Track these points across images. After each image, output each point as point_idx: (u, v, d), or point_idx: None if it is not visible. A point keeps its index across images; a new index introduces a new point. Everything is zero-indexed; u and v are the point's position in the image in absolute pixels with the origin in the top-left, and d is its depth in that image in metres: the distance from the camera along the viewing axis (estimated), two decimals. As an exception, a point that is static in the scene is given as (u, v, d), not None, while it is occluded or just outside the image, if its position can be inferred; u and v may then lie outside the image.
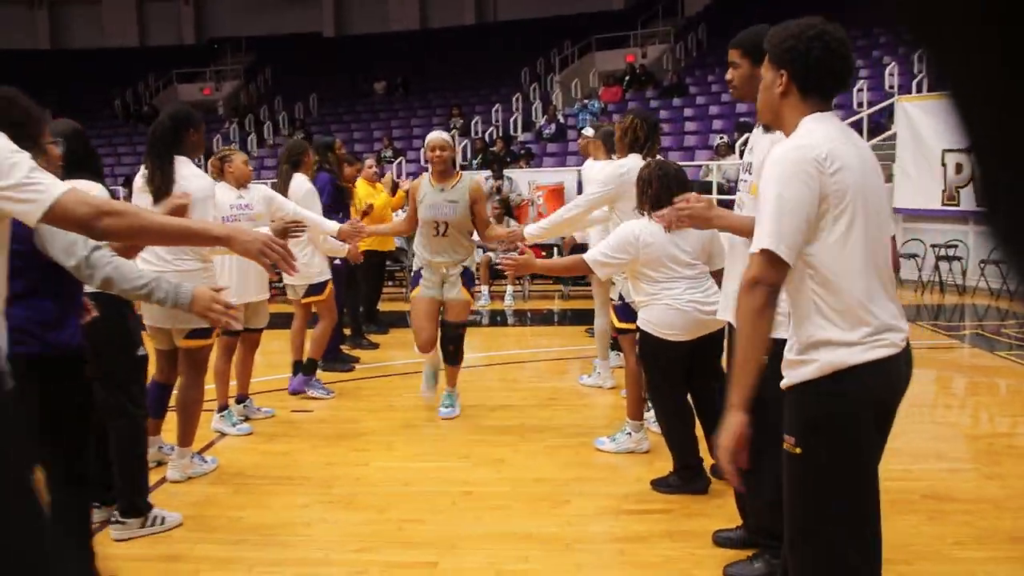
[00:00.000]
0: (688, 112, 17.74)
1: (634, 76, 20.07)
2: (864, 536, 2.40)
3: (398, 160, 17.58)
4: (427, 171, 5.71)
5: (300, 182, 6.26)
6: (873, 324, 2.26)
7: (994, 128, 0.45)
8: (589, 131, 7.86)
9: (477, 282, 11.71)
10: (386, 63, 23.73)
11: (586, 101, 18.56)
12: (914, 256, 11.62)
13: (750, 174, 3.24)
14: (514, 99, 20.30)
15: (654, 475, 4.47)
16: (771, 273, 2.24)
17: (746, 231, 2.89)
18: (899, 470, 4.57)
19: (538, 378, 7.47)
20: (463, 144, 18.01)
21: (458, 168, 6.85)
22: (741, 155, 3.79)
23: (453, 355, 5.73)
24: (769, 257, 2.22)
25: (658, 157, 4.92)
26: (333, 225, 5.80)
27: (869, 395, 2.29)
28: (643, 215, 4.32)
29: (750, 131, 11.46)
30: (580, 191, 12.25)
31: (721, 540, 3.68)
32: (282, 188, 6.19)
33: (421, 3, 27.01)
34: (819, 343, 2.27)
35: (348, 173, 7.92)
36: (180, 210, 3.88)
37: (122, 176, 19.60)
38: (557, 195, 13.50)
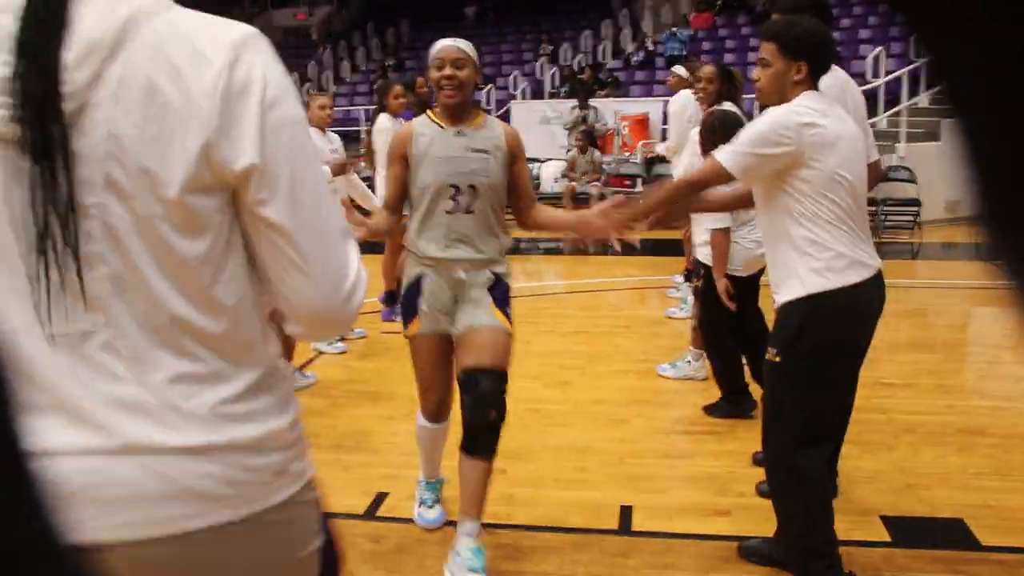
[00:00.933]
0: (780, 39, 17.47)
1: (725, 1, 19.77)
2: (819, 444, 2.85)
3: (488, 88, 17.86)
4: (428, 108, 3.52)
5: (380, 121, 6.80)
6: (851, 252, 2.77)
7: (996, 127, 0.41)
8: (680, 69, 8.03)
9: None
10: (477, -13, 23.82)
11: (675, 29, 18.42)
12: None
13: None
14: (603, 25, 20.26)
15: (706, 401, 4.88)
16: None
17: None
18: (942, 405, 4.89)
19: (615, 307, 7.88)
20: (552, 72, 18.17)
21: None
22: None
23: (485, 435, 3.16)
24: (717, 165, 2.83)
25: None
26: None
27: (847, 310, 2.78)
28: None
29: (839, 63, 11.53)
30: (665, 122, 12.43)
31: (759, 460, 4.09)
32: (370, 127, 6.86)
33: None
34: (800, 268, 2.79)
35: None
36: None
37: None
38: (642, 126, 13.68)
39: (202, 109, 1.09)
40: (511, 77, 18.35)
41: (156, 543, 1.14)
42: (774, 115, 2.77)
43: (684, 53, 17.35)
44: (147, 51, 1.09)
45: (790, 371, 2.79)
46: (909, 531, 3.47)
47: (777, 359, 2.81)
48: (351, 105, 18.97)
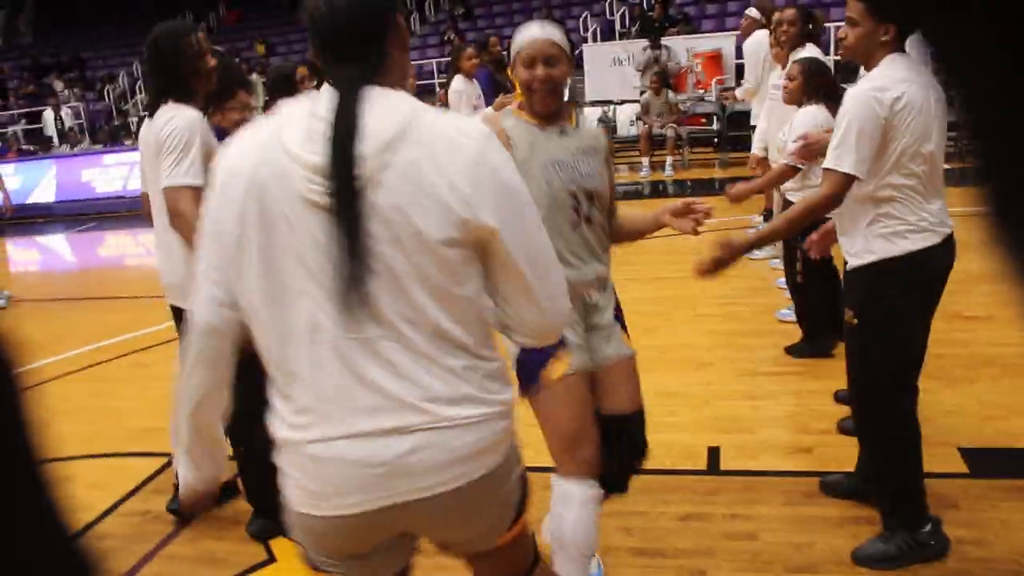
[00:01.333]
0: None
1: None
2: (906, 389, 3.01)
3: (557, 31, 17.81)
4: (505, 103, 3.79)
5: (455, 83, 7.07)
6: (927, 217, 2.84)
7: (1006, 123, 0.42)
8: (753, 11, 8.01)
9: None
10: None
11: (746, -43, 18.02)
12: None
13: None
14: (672, -44, 19.91)
15: (788, 342, 5.07)
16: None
17: None
18: (1017, 339, 4.98)
19: (696, 250, 8.02)
20: (621, 11, 18.04)
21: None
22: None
23: (629, 478, 2.93)
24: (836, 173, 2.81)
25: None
26: None
27: (921, 273, 2.87)
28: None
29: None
30: (738, 56, 12.29)
31: (840, 398, 4.29)
32: (445, 90, 7.18)
33: None
34: (879, 234, 2.87)
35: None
36: None
37: (298, 62, 20.69)
38: (715, 62, 13.57)
39: (457, 187, 1.55)
40: (581, 19, 18.28)
41: (444, 496, 1.62)
42: (864, 99, 2.76)
43: (756, -18, 17.01)
44: (417, 144, 1.55)
45: (866, 332, 2.92)
46: (986, 462, 3.64)
47: (854, 321, 2.95)
48: (423, 59, 19.15)
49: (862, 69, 3.09)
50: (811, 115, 4.46)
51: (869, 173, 2.81)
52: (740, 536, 3.28)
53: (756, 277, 6.63)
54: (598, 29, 17.60)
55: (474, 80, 7.31)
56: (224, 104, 3.75)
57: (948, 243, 2.89)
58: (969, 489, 3.44)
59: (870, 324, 2.92)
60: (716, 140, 12.95)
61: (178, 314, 3.41)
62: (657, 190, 11.19)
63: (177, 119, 3.19)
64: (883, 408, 2.99)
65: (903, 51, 2.85)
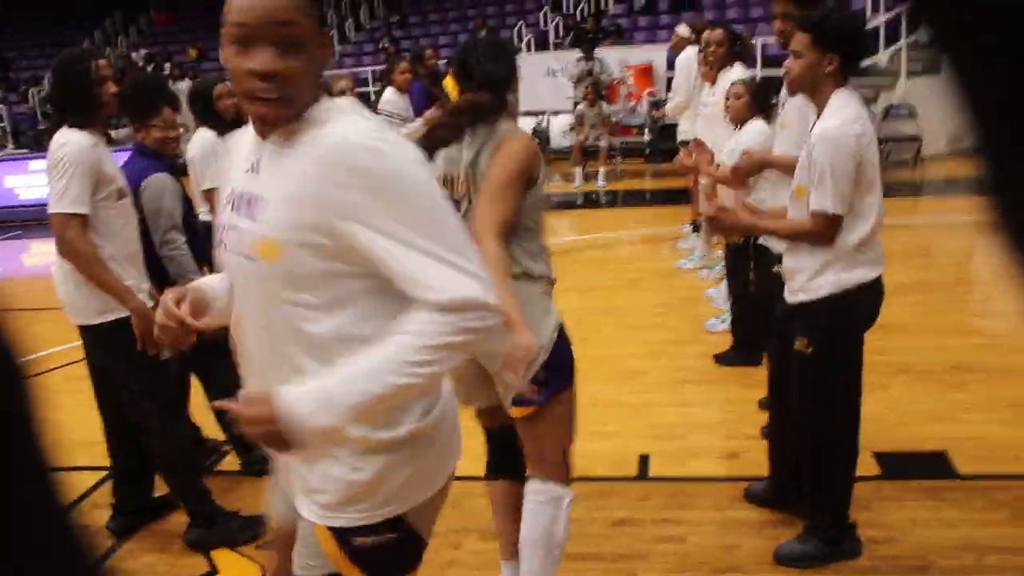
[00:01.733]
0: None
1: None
2: (855, 405, 3.22)
3: (492, 41, 17.98)
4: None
5: (386, 94, 7.18)
6: (876, 250, 3.03)
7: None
8: (683, 29, 8.24)
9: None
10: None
11: (676, -28, 18.42)
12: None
13: (782, 108, 3.90)
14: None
15: (717, 351, 5.28)
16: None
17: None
18: (934, 345, 5.27)
19: (626, 259, 8.25)
20: (555, 21, 18.28)
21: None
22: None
23: None
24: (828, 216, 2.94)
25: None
26: None
27: (869, 303, 3.07)
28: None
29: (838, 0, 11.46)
30: (670, 68, 12.56)
31: (765, 405, 4.49)
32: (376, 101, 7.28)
33: None
34: (834, 267, 3.01)
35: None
36: None
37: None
38: (646, 75, 13.86)
39: None
40: (515, 29, 18.47)
41: None
42: (837, 138, 2.89)
43: (686, -4, 17.42)
44: None
45: (822, 360, 3.08)
46: (898, 465, 3.88)
47: (808, 350, 3.09)
48: (359, 66, 19.14)
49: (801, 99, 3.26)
50: (759, 132, 4.63)
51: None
52: (670, 539, 3.45)
53: (686, 287, 6.85)
54: (532, 40, 17.81)
55: (406, 94, 7.41)
56: (147, 122, 3.80)
57: (881, 277, 3.09)
58: (881, 490, 3.67)
59: (826, 353, 3.08)
60: (647, 151, 13.24)
61: (86, 333, 3.48)
62: (590, 200, 11.41)
63: (68, 146, 3.29)
64: (834, 428, 3.18)
65: (846, 83, 3.00)
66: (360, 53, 20.60)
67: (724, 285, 6.15)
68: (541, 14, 19.15)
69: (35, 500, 0.57)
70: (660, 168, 12.44)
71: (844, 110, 2.95)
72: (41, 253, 12.11)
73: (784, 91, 3.79)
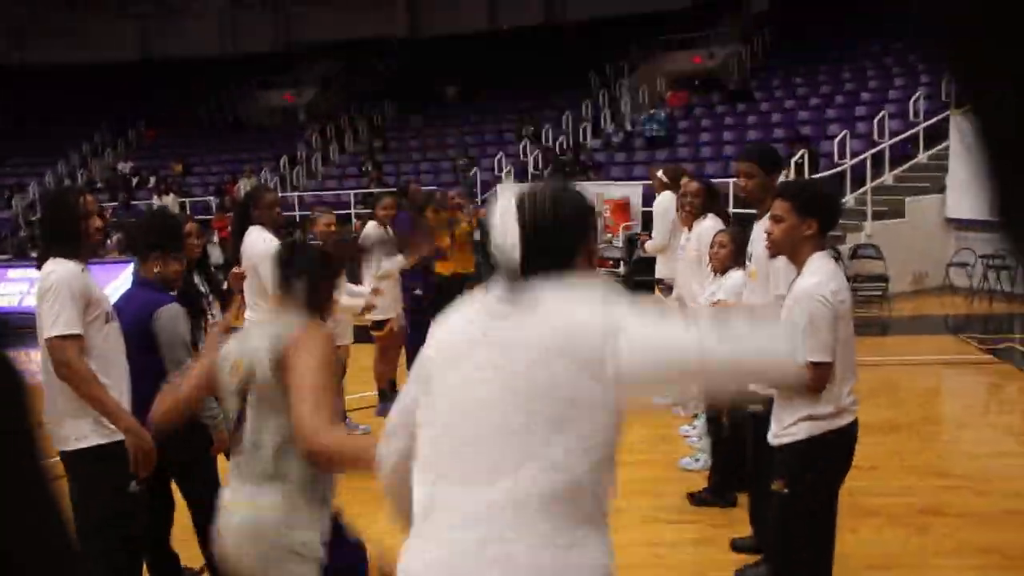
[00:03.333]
0: (751, 119, 18.29)
1: (700, 82, 20.67)
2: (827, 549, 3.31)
3: (473, 170, 18.51)
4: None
5: (367, 227, 7.39)
6: (846, 400, 3.18)
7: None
8: (663, 174, 8.50)
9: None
10: (457, 67, 24.60)
11: (652, 111, 19.21)
12: (965, 265, 12.12)
13: (749, 261, 4.08)
14: (584, 105, 21.04)
15: (690, 489, 5.32)
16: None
17: None
18: (903, 486, 5.35)
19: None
20: (535, 153, 18.87)
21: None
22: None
23: None
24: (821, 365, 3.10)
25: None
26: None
27: (842, 448, 3.20)
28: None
29: (806, 146, 12.09)
30: (646, 204, 12.92)
31: (737, 546, 4.54)
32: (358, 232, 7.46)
33: (490, 3, 27.61)
34: (810, 416, 3.16)
35: (430, 215, 8.88)
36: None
37: (212, 185, 20.82)
38: (623, 209, 14.30)
39: None
40: (496, 159, 19.04)
41: None
42: (814, 295, 3.10)
43: (663, 134, 18.11)
44: None
45: (798, 501, 3.19)
46: (869, 611, 3.90)
47: (785, 490, 3.21)
48: (340, 189, 19.55)
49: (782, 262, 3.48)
50: (740, 282, 4.79)
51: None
52: None
53: (659, 424, 6.92)
54: (512, 170, 18.35)
55: (386, 227, 7.57)
56: (169, 256, 3.91)
57: (855, 422, 3.25)
58: (853, 639, 3.68)
59: (801, 494, 3.19)
60: (623, 284, 13.51)
61: (65, 459, 3.49)
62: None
63: (55, 273, 3.41)
64: (805, 565, 3.26)
65: (823, 247, 3.26)
66: (343, 176, 21.07)
67: (698, 423, 6.24)
68: (521, 146, 19.78)
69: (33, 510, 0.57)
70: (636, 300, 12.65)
71: (820, 271, 3.18)
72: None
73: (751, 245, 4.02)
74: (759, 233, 4.06)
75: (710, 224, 5.59)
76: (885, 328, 10.86)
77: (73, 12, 27.64)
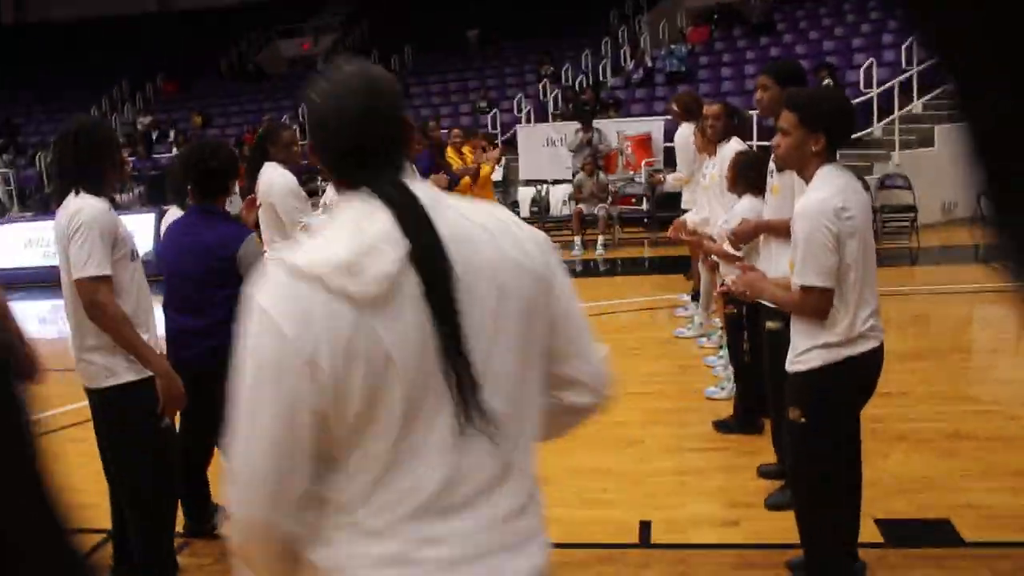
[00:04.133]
0: (774, 51, 17.87)
1: (721, 15, 20.22)
2: (851, 474, 3.24)
3: (492, 112, 18.31)
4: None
5: None
6: (864, 325, 3.04)
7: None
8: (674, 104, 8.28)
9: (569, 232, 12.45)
10: (478, 10, 24.28)
11: (672, 46, 18.84)
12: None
13: (771, 177, 3.98)
14: (603, 43, 20.70)
15: (715, 418, 5.29)
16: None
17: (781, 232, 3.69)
18: (933, 412, 5.28)
19: (626, 328, 8.28)
20: (554, 93, 18.62)
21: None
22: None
23: None
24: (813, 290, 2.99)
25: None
26: None
27: (860, 376, 3.10)
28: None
29: (830, 73, 11.73)
30: (667, 139, 12.76)
31: (763, 472, 4.50)
32: None
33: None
34: (823, 343, 3.04)
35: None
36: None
37: (232, 136, 20.75)
38: (644, 144, 14.09)
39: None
40: (516, 100, 18.80)
41: None
42: (815, 213, 2.94)
43: (683, 69, 17.78)
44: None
45: (814, 430, 3.10)
46: (900, 532, 3.86)
47: (802, 420, 3.12)
48: (360, 135, 19.42)
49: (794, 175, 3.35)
50: (750, 208, 4.70)
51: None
52: (671, 608, 3.42)
53: (684, 356, 6.88)
54: (531, 111, 18.13)
55: (413, 167, 7.52)
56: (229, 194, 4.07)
57: (881, 348, 3.12)
58: (885, 558, 3.65)
59: (818, 423, 3.10)
60: (646, 220, 13.38)
61: (94, 396, 3.50)
62: (589, 268, 11.49)
63: (83, 211, 3.32)
64: (826, 498, 3.19)
65: (833, 160, 3.07)
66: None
67: (723, 353, 6.19)
68: (540, 86, 19.52)
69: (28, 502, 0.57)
70: (659, 236, 12.54)
71: (827, 186, 3.00)
72: (43, 315, 12.14)
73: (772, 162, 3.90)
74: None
75: (734, 146, 5.46)
76: (914, 259, 10.68)
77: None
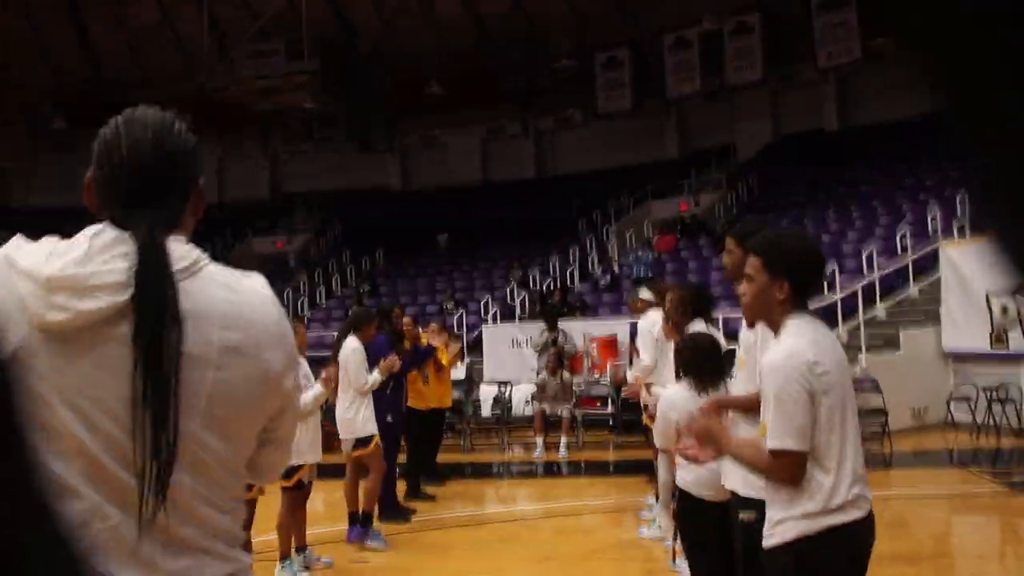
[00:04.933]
0: (739, 259, 18.23)
1: (685, 225, 20.76)
2: None
3: (459, 312, 18.28)
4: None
5: (350, 342, 6.92)
6: (846, 492, 2.64)
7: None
8: (645, 292, 8.23)
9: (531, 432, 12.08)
10: (449, 216, 24.85)
11: (639, 253, 19.18)
12: (967, 399, 11.66)
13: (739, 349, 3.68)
14: (571, 250, 21.06)
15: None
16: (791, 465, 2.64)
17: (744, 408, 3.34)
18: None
19: (589, 530, 7.73)
20: (522, 296, 18.69)
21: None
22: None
23: None
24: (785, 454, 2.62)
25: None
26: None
27: (846, 551, 2.67)
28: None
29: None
30: (633, 341, 12.66)
31: None
32: (337, 344, 6.94)
33: (483, 158, 28.31)
34: (798, 511, 2.63)
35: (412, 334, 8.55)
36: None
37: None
38: (610, 346, 13.94)
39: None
40: (483, 302, 18.84)
41: None
42: (782, 366, 2.65)
43: (650, 274, 17.98)
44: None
45: None
46: None
47: None
48: (324, 330, 19.24)
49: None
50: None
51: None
52: None
53: (651, 559, 6.34)
54: (498, 312, 18.11)
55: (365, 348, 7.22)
56: None
57: (870, 518, 2.71)
58: None
59: None
60: (611, 423, 12.99)
61: None
62: (551, 470, 10.98)
63: None
64: None
65: (802, 308, 2.78)
66: (329, 319, 20.79)
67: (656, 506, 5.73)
68: (508, 289, 19.63)
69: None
70: (624, 440, 12.11)
71: (797, 337, 2.69)
72: None
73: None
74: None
75: (699, 327, 5.22)
76: (888, 462, 10.30)
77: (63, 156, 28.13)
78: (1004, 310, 11.59)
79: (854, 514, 2.66)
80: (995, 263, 0.46)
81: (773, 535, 2.70)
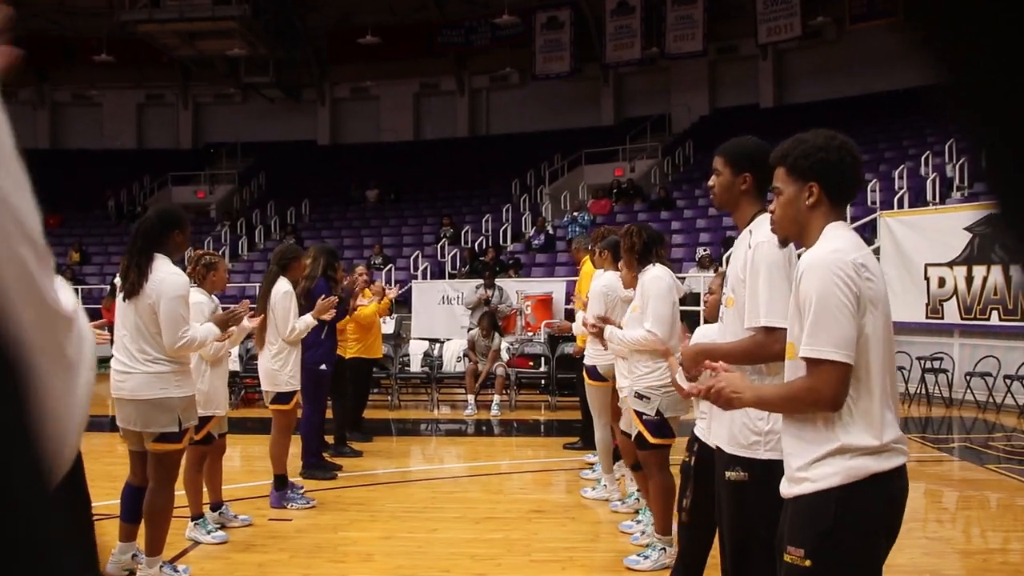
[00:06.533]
0: (675, 225, 18.03)
1: (622, 190, 20.47)
2: None
3: (387, 267, 17.70)
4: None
5: (281, 284, 6.30)
6: (892, 430, 2.26)
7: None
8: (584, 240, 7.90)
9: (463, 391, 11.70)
10: (379, 171, 24.14)
11: (576, 213, 18.84)
12: (900, 368, 11.62)
13: (725, 288, 3.26)
14: (504, 209, 20.62)
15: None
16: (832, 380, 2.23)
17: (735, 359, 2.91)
18: None
19: (523, 490, 7.35)
20: (453, 253, 18.21)
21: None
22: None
23: None
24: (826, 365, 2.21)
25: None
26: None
27: (888, 504, 2.28)
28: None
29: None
30: (568, 301, 12.34)
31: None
32: (266, 288, 6.31)
33: (416, 114, 27.61)
34: (842, 449, 2.23)
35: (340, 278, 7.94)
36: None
37: (111, 275, 19.57)
38: (545, 305, 13.58)
39: None
40: (412, 258, 18.29)
41: None
42: (828, 264, 2.25)
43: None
44: None
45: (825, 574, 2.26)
46: None
47: (807, 562, 2.24)
48: (247, 282, 18.52)
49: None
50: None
51: None
52: None
53: (595, 520, 5.98)
54: (428, 268, 17.60)
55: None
56: None
57: (904, 468, 2.31)
58: None
59: (830, 567, 2.24)
60: (544, 383, 12.62)
61: None
62: (482, 429, 10.58)
63: None
64: None
65: (844, 216, 2.45)
66: (251, 271, 20.00)
67: (642, 518, 5.34)
68: (439, 246, 19.11)
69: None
70: (558, 401, 11.77)
71: (840, 239, 2.32)
72: None
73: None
74: (735, 251, 3.26)
75: (659, 271, 4.85)
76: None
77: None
78: (941, 281, 11.59)
79: (896, 460, 2.27)
80: (998, 238, 0.50)
81: (804, 480, 2.29)
